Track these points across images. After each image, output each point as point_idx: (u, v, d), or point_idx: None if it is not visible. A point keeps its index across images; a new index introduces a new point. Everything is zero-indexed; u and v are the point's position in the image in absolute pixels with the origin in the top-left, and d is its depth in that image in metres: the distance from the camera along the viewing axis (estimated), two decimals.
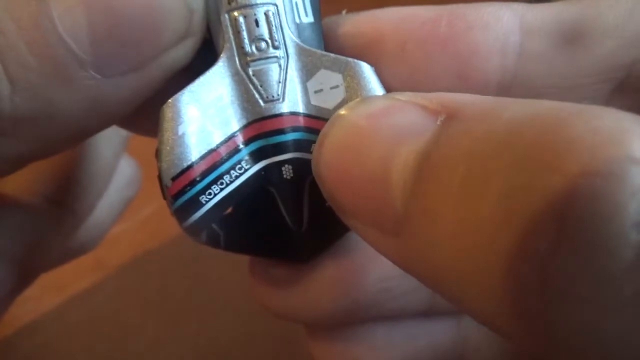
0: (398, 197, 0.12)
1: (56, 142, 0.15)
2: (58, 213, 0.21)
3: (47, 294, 0.30)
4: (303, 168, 0.16)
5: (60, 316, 0.31)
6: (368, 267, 0.17)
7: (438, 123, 0.12)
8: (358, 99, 0.15)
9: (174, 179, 0.15)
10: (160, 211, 0.34)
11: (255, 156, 0.16)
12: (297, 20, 0.16)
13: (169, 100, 0.15)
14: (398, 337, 0.18)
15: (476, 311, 0.11)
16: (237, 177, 0.16)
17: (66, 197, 0.21)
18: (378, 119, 0.13)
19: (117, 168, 0.24)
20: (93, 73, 0.14)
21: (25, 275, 0.20)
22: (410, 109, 0.13)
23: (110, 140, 0.22)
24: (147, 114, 0.15)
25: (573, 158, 0.09)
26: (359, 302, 0.17)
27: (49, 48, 0.13)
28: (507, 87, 0.16)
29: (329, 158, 0.14)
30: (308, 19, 0.17)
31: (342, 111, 0.14)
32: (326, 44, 0.17)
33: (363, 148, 0.13)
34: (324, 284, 0.17)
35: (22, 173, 0.17)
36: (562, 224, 0.09)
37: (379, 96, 0.15)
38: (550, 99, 0.15)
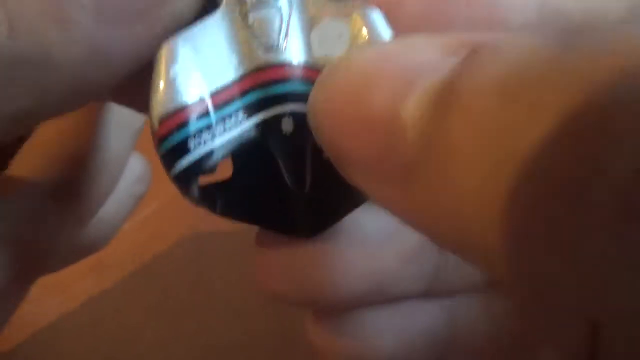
0: (409, 138, 0.10)
1: (54, 95, 0.14)
2: (64, 206, 0.20)
3: (47, 294, 0.30)
4: (304, 122, 0.14)
5: (60, 316, 0.31)
6: (385, 246, 0.17)
7: (461, 55, 0.10)
8: (364, 45, 0.14)
9: (162, 120, 0.14)
10: (160, 211, 0.34)
11: (253, 108, 0.15)
12: None
13: (164, 43, 0.14)
14: (399, 320, 0.18)
15: (490, 258, 0.09)
16: (231, 127, 0.15)
17: (74, 190, 0.20)
18: (386, 60, 0.12)
19: (127, 164, 0.23)
20: (94, 17, 0.13)
21: (28, 274, 0.20)
22: (424, 46, 0.11)
23: (120, 133, 0.22)
24: (147, 83, 0.15)
25: None
26: (382, 284, 0.17)
27: None
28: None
29: (327, 102, 0.12)
30: None
31: (350, 53, 0.13)
32: None
33: (368, 89, 0.11)
34: (340, 264, 0.16)
35: (27, 164, 0.17)
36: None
37: (396, 39, 0.14)
38: None
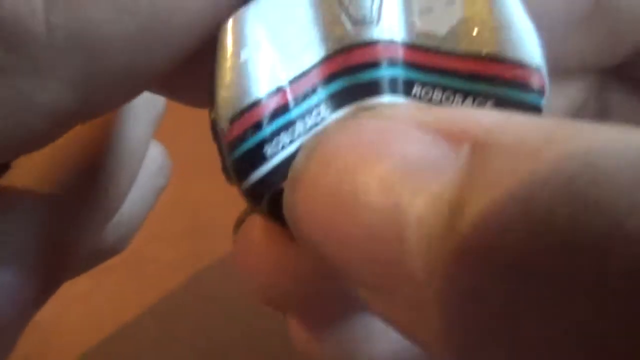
0: (418, 262, 0.09)
1: (102, 87, 0.12)
2: (83, 206, 0.17)
3: None
4: None
5: (59, 316, 0.31)
6: None
7: (463, 158, 0.09)
8: (339, 119, 0.12)
9: (233, 119, 0.11)
10: (160, 211, 0.34)
11: (339, 98, 0.12)
12: None
13: (230, 18, 0.11)
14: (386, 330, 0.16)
15: None
16: (313, 125, 0.12)
17: (92, 188, 0.18)
18: (375, 151, 0.10)
19: (146, 154, 0.20)
20: None
21: (50, 280, 0.17)
22: (419, 136, 0.10)
23: (140, 119, 0.19)
24: (200, 71, 0.12)
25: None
26: None
27: None
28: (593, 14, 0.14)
29: (312, 205, 0.10)
30: None
31: (322, 137, 0.11)
32: None
33: (359, 194, 0.10)
34: None
35: (38, 161, 0.15)
36: None
37: (368, 114, 0.12)
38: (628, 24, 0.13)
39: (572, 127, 0.09)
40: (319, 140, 0.11)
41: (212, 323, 0.30)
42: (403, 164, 0.10)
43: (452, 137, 0.10)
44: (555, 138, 0.08)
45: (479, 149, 0.09)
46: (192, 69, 0.12)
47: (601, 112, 0.18)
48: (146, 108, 0.15)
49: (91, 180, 0.18)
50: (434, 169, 0.09)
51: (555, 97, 0.16)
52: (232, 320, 0.30)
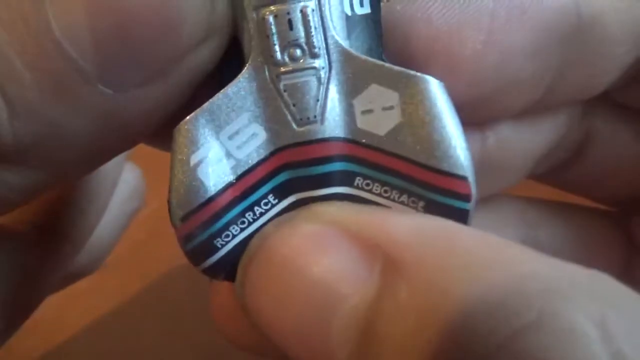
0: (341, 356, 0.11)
1: (70, 167, 0.13)
2: (52, 242, 0.18)
3: None
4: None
5: (60, 316, 0.31)
6: None
7: (376, 274, 0.11)
8: (275, 222, 0.13)
9: (183, 219, 0.13)
10: (160, 211, 0.34)
11: (284, 189, 0.13)
12: (348, 12, 0.13)
13: (181, 123, 0.12)
14: None
15: None
16: (262, 214, 0.13)
17: (61, 223, 0.18)
18: (309, 256, 0.12)
19: (119, 178, 0.21)
20: (102, 87, 0.11)
21: (15, 314, 0.18)
22: (342, 246, 0.12)
23: None
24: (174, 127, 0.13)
25: None
26: None
27: (45, 58, 0.11)
28: (570, 61, 0.15)
29: (257, 298, 0.13)
30: (363, 9, 0.13)
31: (263, 236, 0.13)
32: (388, 41, 0.14)
33: (295, 291, 0.12)
34: None
35: None
36: None
37: (300, 219, 0.13)
38: (604, 66, 0.15)
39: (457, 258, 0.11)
40: (259, 244, 0.13)
41: (212, 323, 0.30)
42: (332, 276, 0.12)
43: (369, 251, 0.11)
44: (437, 265, 0.11)
45: (389, 267, 0.11)
46: (173, 126, 0.13)
47: (585, 138, 0.19)
48: None
49: (61, 216, 0.18)
50: (353, 282, 0.11)
51: (540, 128, 0.17)
52: None
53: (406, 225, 0.12)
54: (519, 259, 0.11)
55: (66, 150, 0.12)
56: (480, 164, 0.16)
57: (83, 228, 0.19)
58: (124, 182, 0.22)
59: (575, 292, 0.10)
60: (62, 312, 0.31)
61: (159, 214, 0.34)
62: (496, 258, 0.11)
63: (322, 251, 0.12)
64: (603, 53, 0.16)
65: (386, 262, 0.11)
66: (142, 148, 0.26)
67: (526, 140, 0.17)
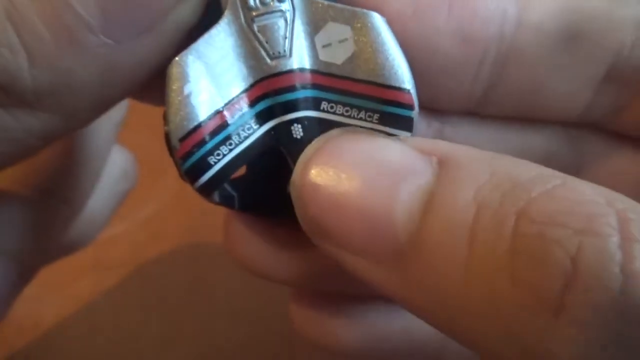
0: (403, 231, 0.13)
1: (80, 112, 0.15)
2: (52, 204, 0.21)
3: (46, 294, 0.30)
4: (313, 127, 0.16)
5: (59, 317, 0.31)
6: None
7: (434, 164, 0.13)
8: (346, 128, 0.16)
9: (181, 139, 0.15)
10: (160, 211, 0.34)
11: (264, 116, 0.16)
12: None
13: (175, 59, 0.15)
14: (374, 315, 0.19)
15: (479, 335, 0.12)
16: (245, 137, 0.16)
17: (59, 188, 0.21)
18: (373, 151, 0.14)
19: (110, 158, 0.23)
20: (104, 38, 0.14)
21: (25, 271, 0.20)
22: (402, 147, 0.14)
23: (99, 127, 0.22)
24: (162, 82, 0.15)
25: (576, 220, 0.11)
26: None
27: (59, 16, 0.14)
28: (504, 58, 0.17)
29: (317, 181, 0.14)
30: None
31: (329, 135, 0.15)
32: None
33: (359, 178, 0.13)
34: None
35: (15, 168, 0.17)
36: (575, 269, 0.11)
37: (367, 130, 0.16)
38: (543, 79, 0.18)
39: (496, 155, 0.14)
40: (326, 139, 0.14)
41: (213, 323, 0.30)
42: (394, 165, 0.14)
43: (424, 151, 0.14)
44: (484, 161, 0.13)
45: (443, 162, 0.14)
46: (159, 80, 0.15)
47: (578, 163, 0.20)
48: (107, 116, 0.18)
49: (58, 181, 0.21)
50: (414, 169, 0.13)
51: (510, 139, 0.19)
52: (234, 320, 0.30)
53: (449, 144, 0.14)
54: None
55: (76, 97, 0.15)
56: None
57: (79, 193, 0.22)
58: (113, 163, 0.24)
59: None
60: (62, 312, 0.31)
61: (159, 215, 0.34)
62: (526, 162, 0.13)
63: (385, 149, 0.14)
64: (546, 64, 0.18)
65: (440, 158, 0.14)
66: (141, 151, 0.26)
67: (488, 143, 0.19)
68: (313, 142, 0.15)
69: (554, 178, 0.12)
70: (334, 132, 0.15)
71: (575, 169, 0.20)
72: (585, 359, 0.11)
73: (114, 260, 0.33)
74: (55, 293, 0.31)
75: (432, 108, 0.18)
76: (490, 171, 0.13)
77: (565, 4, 0.17)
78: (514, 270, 0.12)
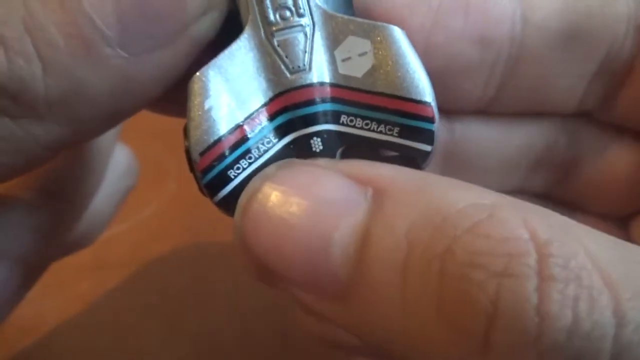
0: (341, 268, 0.13)
1: (91, 124, 0.15)
2: (56, 206, 0.21)
3: (47, 294, 0.30)
4: (332, 140, 0.16)
5: (60, 316, 0.31)
6: None
7: (368, 198, 0.14)
8: (277, 163, 0.15)
9: (202, 153, 0.15)
10: (160, 211, 0.34)
11: (283, 129, 0.16)
12: None
13: (196, 74, 0.15)
14: None
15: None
16: (265, 151, 0.16)
17: (63, 189, 0.21)
18: (307, 189, 0.14)
19: (112, 156, 0.23)
20: (120, 51, 0.14)
21: (30, 273, 0.20)
22: (336, 179, 0.14)
23: None
24: (179, 94, 0.15)
25: (496, 261, 0.12)
26: None
27: (76, 26, 0.14)
28: (515, 57, 0.18)
29: (256, 224, 0.14)
30: None
31: (264, 175, 0.15)
32: (355, 7, 0.17)
33: (296, 218, 0.14)
34: None
35: None
36: (495, 311, 0.12)
37: (299, 161, 0.16)
38: (547, 75, 0.18)
39: (431, 181, 0.14)
40: (261, 179, 0.15)
41: (212, 323, 0.30)
42: (329, 201, 0.14)
43: (360, 181, 0.14)
44: (416, 193, 0.13)
45: (377, 194, 0.14)
46: (177, 93, 0.15)
47: (572, 150, 0.21)
48: None
49: (63, 183, 0.21)
50: (350, 205, 0.14)
51: (513, 133, 0.20)
52: (233, 321, 0.30)
53: (389, 168, 0.14)
54: (474, 189, 0.14)
55: (88, 107, 0.15)
56: (449, 152, 0.20)
57: (83, 195, 0.22)
58: (116, 161, 0.24)
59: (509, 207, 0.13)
60: (62, 312, 0.31)
61: (159, 215, 0.34)
62: (460, 186, 0.14)
63: (320, 183, 0.14)
64: (550, 60, 0.18)
65: (375, 189, 0.14)
66: (142, 153, 0.26)
67: (496, 141, 0.20)
68: (250, 182, 0.15)
69: (482, 210, 0.13)
70: (268, 169, 0.15)
71: (572, 159, 0.20)
72: None
73: (115, 261, 0.33)
74: (56, 293, 0.31)
75: (445, 109, 0.18)
76: (422, 204, 0.13)
77: (564, 3, 0.18)
78: (443, 309, 0.12)
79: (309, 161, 0.16)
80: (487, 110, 0.19)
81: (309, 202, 0.14)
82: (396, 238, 0.13)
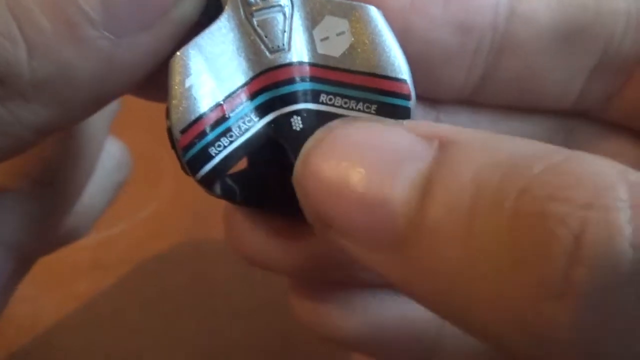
0: (402, 215, 0.13)
1: (76, 107, 0.15)
2: (47, 194, 0.21)
3: (46, 293, 0.30)
4: (312, 119, 0.16)
5: (59, 315, 0.31)
6: None
7: (434, 148, 0.13)
8: (346, 118, 0.16)
9: (183, 131, 0.15)
10: (159, 210, 0.34)
11: (264, 108, 0.16)
12: None
13: (177, 54, 0.15)
14: (373, 304, 0.19)
15: (484, 322, 0.12)
16: (246, 130, 0.16)
17: (54, 178, 0.21)
18: (373, 138, 0.14)
19: (104, 148, 0.24)
20: (105, 33, 0.14)
21: (22, 261, 0.20)
22: (402, 132, 0.14)
23: (94, 116, 0.22)
24: (163, 78, 0.16)
25: (581, 194, 0.11)
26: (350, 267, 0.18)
27: (60, 8, 0.14)
28: (499, 47, 0.18)
29: (319, 171, 0.14)
30: None
31: (329, 127, 0.14)
32: None
33: (359, 165, 0.13)
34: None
35: (11, 161, 0.17)
36: (578, 248, 0.10)
37: (367, 118, 0.16)
38: (537, 68, 0.18)
39: (501, 137, 0.13)
40: (329, 126, 0.14)
41: (211, 323, 0.30)
42: (394, 149, 0.13)
43: (425, 136, 0.14)
44: (486, 142, 0.13)
45: (443, 145, 0.13)
46: (159, 77, 0.16)
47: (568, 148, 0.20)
48: None
49: (54, 171, 0.21)
50: (414, 156, 0.13)
51: (503, 127, 0.19)
52: (233, 321, 0.30)
53: (454, 127, 0.14)
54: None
55: (73, 90, 0.15)
56: None
57: (74, 184, 0.22)
58: (108, 154, 0.24)
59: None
60: (61, 311, 0.31)
61: (159, 214, 0.34)
62: (530, 142, 0.13)
63: (385, 135, 0.14)
64: (539, 53, 0.18)
65: (442, 140, 0.13)
66: (140, 151, 0.26)
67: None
68: (314, 134, 0.15)
69: (559, 153, 0.12)
70: (334, 122, 0.15)
71: None
72: (594, 343, 0.11)
73: (113, 260, 0.33)
74: (55, 292, 0.31)
75: (429, 98, 0.19)
76: (491, 150, 0.12)
77: None
78: (515, 251, 0.11)
79: (374, 117, 0.16)
80: (473, 100, 0.19)
81: (373, 152, 0.13)
82: (462, 183, 0.12)
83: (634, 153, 0.20)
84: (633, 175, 0.11)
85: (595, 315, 0.10)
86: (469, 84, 0.19)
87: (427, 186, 0.13)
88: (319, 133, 0.14)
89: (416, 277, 0.13)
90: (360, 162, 0.13)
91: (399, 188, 0.13)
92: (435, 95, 0.19)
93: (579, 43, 0.18)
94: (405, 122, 0.15)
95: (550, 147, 0.12)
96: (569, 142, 0.20)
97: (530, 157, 0.12)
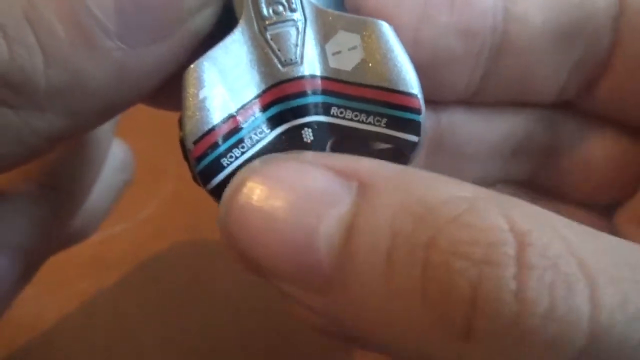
0: (326, 260, 0.13)
1: (89, 116, 0.16)
2: (55, 197, 0.21)
3: (46, 293, 0.30)
4: (323, 131, 0.17)
5: (60, 315, 0.31)
6: None
7: (353, 190, 0.14)
8: (262, 158, 0.16)
9: (195, 142, 0.15)
10: (160, 210, 0.34)
11: (276, 120, 0.16)
12: None
13: (191, 66, 0.15)
14: None
15: (405, 351, 0.13)
16: (257, 141, 0.16)
17: (62, 181, 0.21)
18: (292, 182, 0.14)
19: (109, 150, 0.24)
20: (119, 43, 0.14)
21: (29, 264, 0.20)
22: (322, 173, 0.14)
23: None
24: (176, 88, 0.16)
25: (477, 251, 0.12)
26: None
27: (76, 18, 0.14)
28: (498, 48, 0.18)
29: (241, 218, 0.14)
30: None
31: (249, 169, 0.15)
32: (346, 4, 0.17)
33: (281, 212, 0.14)
34: None
35: None
36: (475, 297, 0.12)
37: (284, 156, 0.16)
38: (530, 66, 0.19)
39: (413, 175, 0.14)
40: (246, 173, 0.15)
41: (211, 323, 0.30)
42: (315, 194, 0.14)
43: (345, 175, 0.14)
44: (400, 186, 0.14)
45: (362, 186, 0.14)
46: (172, 87, 0.16)
47: (552, 139, 0.21)
48: None
49: (62, 174, 0.21)
50: (334, 197, 0.14)
51: (495, 122, 0.20)
52: (233, 320, 0.30)
53: (373, 162, 0.15)
54: (454, 182, 0.14)
55: (87, 99, 0.15)
56: (435, 141, 0.20)
57: (82, 186, 0.22)
58: (113, 155, 0.24)
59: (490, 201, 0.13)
60: (62, 310, 0.31)
61: (159, 213, 0.34)
62: (441, 179, 0.14)
63: (305, 176, 0.14)
64: (531, 51, 0.19)
65: (361, 182, 0.14)
66: (142, 151, 0.26)
67: (480, 130, 0.20)
68: (235, 177, 0.15)
69: (463, 202, 0.13)
70: (252, 163, 0.15)
71: (552, 148, 0.21)
72: None
73: (114, 259, 0.33)
74: (55, 292, 0.31)
75: (431, 100, 0.19)
76: (405, 196, 0.13)
77: None
78: (427, 297, 0.13)
79: (294, 155, 0.16)
80: (472, 100, 0.20)
81: (293, 196, 0.14)
82: (380, 228, 0.13)
83: (615, 143, 0.21)
84: (525, 225, 0.12)
85: (493, 358, 0.12)
86: (471, 86, 0.19)
87: (348, 232, 0.13)
88: (237, 177, 0.15)
89: (344, 317, 0.14)
90: (282, 207, 0.14)
91: (322, 233, 0.13)
92: (438, 97, 0.19)
93: (566, 40, 0.19)
94: (325, 159, 0.15)
95: (459, 190, 0.14)
96: (553, 134, 0.21)
97: (440, 205, 0.13)
